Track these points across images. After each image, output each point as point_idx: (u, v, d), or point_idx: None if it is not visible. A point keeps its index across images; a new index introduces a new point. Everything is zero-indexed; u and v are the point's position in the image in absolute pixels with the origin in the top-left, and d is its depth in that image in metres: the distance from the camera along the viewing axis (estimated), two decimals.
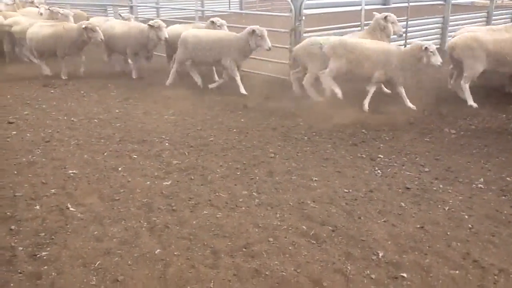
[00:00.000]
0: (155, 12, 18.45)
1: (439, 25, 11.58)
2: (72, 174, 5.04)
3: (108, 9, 14.84)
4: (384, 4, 10.22)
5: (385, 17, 7.95)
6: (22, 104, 7.72)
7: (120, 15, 10.84)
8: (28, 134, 6.29)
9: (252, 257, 3.58)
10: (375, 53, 6.98)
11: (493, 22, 12.66)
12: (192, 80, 8.59)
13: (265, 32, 7.73)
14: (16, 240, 3.81)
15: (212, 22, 9.03)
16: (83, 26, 8.96)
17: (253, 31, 7.72)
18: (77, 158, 5.48)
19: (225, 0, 22.63)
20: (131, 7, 12.28)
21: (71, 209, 4.30)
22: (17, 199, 4.49)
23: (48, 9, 11.74)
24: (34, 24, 9.81)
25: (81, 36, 9.05)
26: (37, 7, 12.77)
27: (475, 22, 12.39)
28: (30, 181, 4.88)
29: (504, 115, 6.81)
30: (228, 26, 9.23)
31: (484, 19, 12.96)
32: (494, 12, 13.40)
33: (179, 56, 8.58)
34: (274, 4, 23.04)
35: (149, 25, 8.88)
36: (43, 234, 3.90)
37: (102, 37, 9.03)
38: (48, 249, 3.70)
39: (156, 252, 3.65)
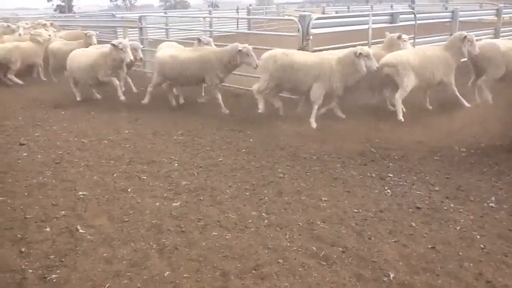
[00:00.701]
0: (164, 33, 18.71)
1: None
2: (82, 196, 5.06)
3: (118, 30, 15.03)
4: (392, 23, 10.27)
5: None
6: (33, 126, 7.81)
7: (200, 40, 9.14)
8: (39, 156, 6.35)
9: (262, 279, 3.55)
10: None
11: (501, 39, 12.66)
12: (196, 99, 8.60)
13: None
14: (26, 263, 3.82)
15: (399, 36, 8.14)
16: (239, 48, 7.85)
17: (465, 36, 7.51)
18: (87, 180, 5.51)
19: (233, 20, 22.88)
20: (141, 28, 12.43)
21: (80, 231, 4.31)
22: (27, 221, 4.52)
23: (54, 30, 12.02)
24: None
25: (231, 61, 8.04)
26: (51, 28, 13.06)
27: (482, 39, 12.40)
28: (41, 202, 4.91)
29: None
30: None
31: (492, 35, 12.97)
32: (502, 29, 13.42)
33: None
34: (281, 24, 23.23)
35: (357, 53, 7.08)
36: (53, 256, 3.91)
37: (257, 64, 7.80)
38: (58, 271, 3.70)
39: (165, 274, 3.64)
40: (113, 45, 8.63)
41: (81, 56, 9.28)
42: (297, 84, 7.50)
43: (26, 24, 13.85)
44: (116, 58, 8.67)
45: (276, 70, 7.44)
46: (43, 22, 14.12)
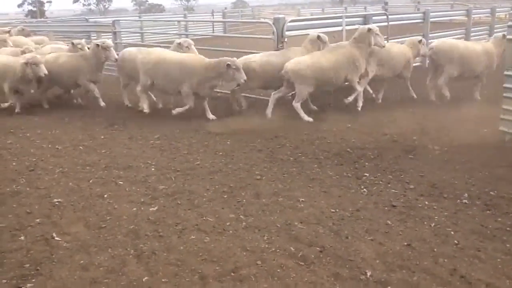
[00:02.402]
0: (139, 37, 18.59)
1: None
2: (57, 203, 4.99)
3: (92, 35, 14.86)
4: (365, 24, 10.39)
5: None
6: (6, 133, 7.65)
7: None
8: (12, 163, 6.23)
9: (241, 281, 3.55)
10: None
11: (471, 38, 12.96)
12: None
13: None
14: None
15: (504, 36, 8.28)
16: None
17: None
18: (62, 186, 5.43)
19: (209, 23, 22.87)
20: (115, 33, 12.33)
21: (56, 238, 4.24)
22: (0, 230, 4.43)
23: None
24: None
25: None
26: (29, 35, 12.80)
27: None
28: (14, 211, 4.82)
29: (485, 130, 6.91)
30: (211, 50, 9.26)
31: (463, 36, 13.26)
32: (472, 29, 13.74)
33: None
34: (256, 27, 23.32)
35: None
36: (28, 265, 3.83)
37: None
38: (33, 280, 3.63)
39: (143, 279, 3.61)
40: None
41: None
42: None
43: None
44: None
45: None
46: (6, 29, 13.55)
